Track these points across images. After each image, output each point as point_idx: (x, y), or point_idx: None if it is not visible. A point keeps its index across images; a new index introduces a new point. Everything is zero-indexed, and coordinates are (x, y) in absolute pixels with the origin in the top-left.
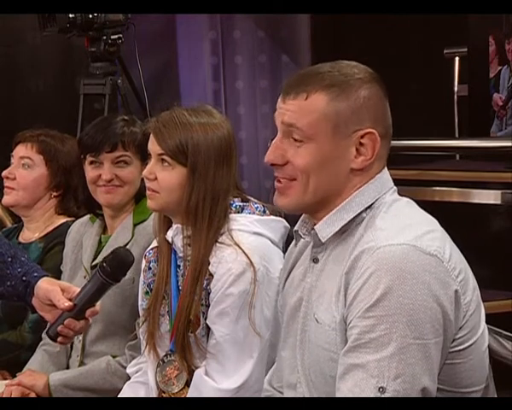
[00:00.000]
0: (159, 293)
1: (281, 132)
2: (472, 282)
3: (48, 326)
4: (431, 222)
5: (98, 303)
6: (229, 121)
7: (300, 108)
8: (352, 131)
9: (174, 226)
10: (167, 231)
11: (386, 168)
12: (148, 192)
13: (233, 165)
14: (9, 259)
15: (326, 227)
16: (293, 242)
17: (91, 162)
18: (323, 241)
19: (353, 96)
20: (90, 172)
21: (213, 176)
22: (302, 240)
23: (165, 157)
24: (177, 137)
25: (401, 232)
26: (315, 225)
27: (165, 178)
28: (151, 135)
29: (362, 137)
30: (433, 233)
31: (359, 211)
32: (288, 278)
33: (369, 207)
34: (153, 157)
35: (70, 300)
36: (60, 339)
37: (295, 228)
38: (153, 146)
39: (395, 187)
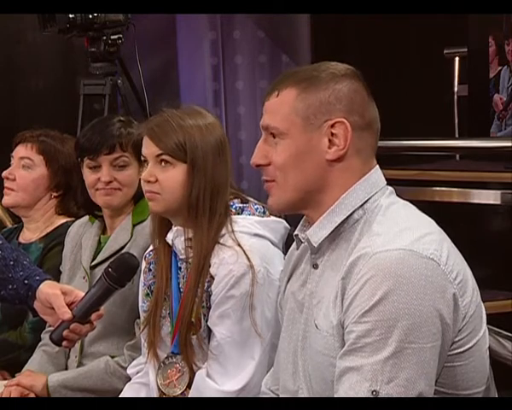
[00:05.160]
0: (159, 297)
1: (263, 135)
2: (471, 283)
3: (51, 331)
4: (428, 224)
5: (102, 306)
6: (219, 121)
7: (273, 106)
8: (323, 121)
9: (174, 229)
10: (167, 234)
11: (377, 168)
12: (148, 195)
13: (228, 161)
14: (11, 262)
15: (318, 231)
16: (294, 244)
17: (89, 166)
18: (315, 245)
19: (323, 87)
20: (88, 176)
21: (212, 170)
22: (303, 244)
23: (164, 157)
24: (174, 136)
25: (397, 237)
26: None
27: (167, 178)
28: (144, 139)
29: (332, 126)
30: (430, 236)
31: (349, 213)
32: (289, 282)
33: (361, 207)
34: (150, 160)
35: (72, 303)
36: (65, 343)
37: (295, 232)
38: (149, 149)
39: (391, 188)
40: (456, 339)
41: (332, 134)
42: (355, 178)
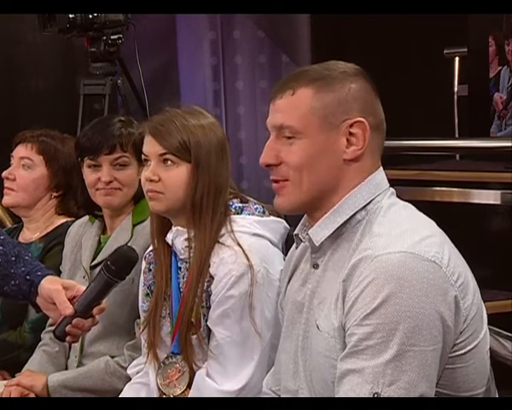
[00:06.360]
0: (159, 297)
1: (273, 134)
2: (472, 285)
3: (55, 327)
4: (429, 226)
5: (104, 301)
6: (219, 121)
7: (288, 105)
8: (341, 121)
9: (174, 229)
10: (166, 234)
11: (381, 169)
12: (150, 194)
13: (229, 161)
14: (13, 258)
15: (320, 231)
16: (294, 245)
17: (90, 166)
18: (317, 244)
19: (338, 86)
20: (88, 175)
21: (215, 168)
22: (302, 243)
23: (168, 156)
24: (178, 136)
25: (399, 239)
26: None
27: (170, 177)
28: (147, 138)
29: (351, 126)
30: (432, 238)
31: (352, 213)
32: (290, 282)
33: (364, 208)
34: (153, 159)
35: (74, 298)
36: (68, 339)
37: (295, 232)
38: (152, 148)
39: (393, 189)
40: (458, 341)
41: (350, 134)
42: (363, 179)
